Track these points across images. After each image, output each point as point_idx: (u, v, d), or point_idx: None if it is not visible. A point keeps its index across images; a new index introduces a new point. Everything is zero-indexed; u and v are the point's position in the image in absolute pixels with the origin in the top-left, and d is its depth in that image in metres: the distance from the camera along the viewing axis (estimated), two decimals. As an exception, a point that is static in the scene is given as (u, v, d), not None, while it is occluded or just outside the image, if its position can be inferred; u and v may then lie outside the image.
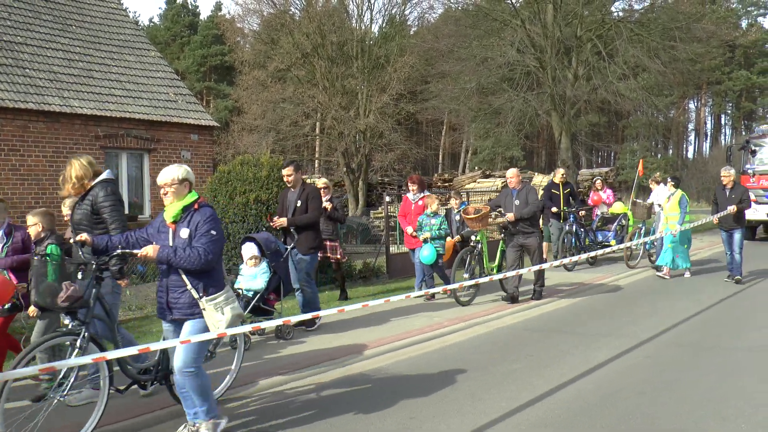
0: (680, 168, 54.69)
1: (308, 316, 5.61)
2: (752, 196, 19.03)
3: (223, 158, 27.04)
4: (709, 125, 67.64)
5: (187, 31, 56.47)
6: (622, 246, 12.86)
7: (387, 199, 13.77)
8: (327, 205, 9.41)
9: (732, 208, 11.15)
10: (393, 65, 26.54)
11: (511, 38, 22.12)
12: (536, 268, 8.91)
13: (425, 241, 9.60)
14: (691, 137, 67.35)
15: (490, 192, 22.09)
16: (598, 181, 15.45)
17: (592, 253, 11.53)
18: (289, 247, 7.85)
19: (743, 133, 49.53)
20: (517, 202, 9.64)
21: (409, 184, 10.75)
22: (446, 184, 27.07)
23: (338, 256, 10.06)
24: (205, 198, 4.39)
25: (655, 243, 13.72)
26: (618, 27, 21.58)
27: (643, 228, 13.70)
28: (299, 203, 8.09)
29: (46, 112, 12.75)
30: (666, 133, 53.81)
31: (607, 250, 10.35)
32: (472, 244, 10.01)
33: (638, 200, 13.98)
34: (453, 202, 11.19)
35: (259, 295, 7.30)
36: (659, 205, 12.92)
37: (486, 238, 10.17)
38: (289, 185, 8.32)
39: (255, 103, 28.17)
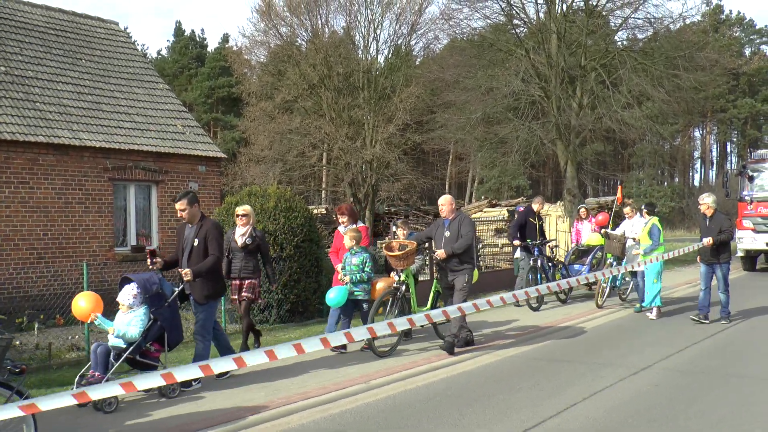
0: (686, 196, 54.57)
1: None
2: (750, 224, 18.45)
3: (230, 189, 27.14)
4: (714, 153, 67.71)
5: (194, 63, 57.15)
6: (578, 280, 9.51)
7: (394, 229, 13.73)
8: (238, 241, 8.21)
9: (707, 240, 10.02)
10: (399, 95, 26.73)
11: (516, 68, 22.27)
12: (452, 308, 6.27)
13: (346, 283, 8.43)
14: (697, 165, 67.45)
15: (496, 221, 22.10)
16: (582, 209, 14.54)
17: (543, 287, 8.53)
18: (176, 289, 6.85)
19: (748, 160, 49.47)
20: (447, 234, 8.32)
21: (338, 215, 9.26)
22: (453, 213, 27.05)
23: (252, 296, 8.32)
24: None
25: (626, 279, 12.55)
26: (622, 56, 21.75)
27: (614, 264, 12.25)
28: (196, 242, 6.98)
29: (56, 145, 12.85)
30: (672, 161, 53.84)
31: (578, 285, 7.63)
32: (395, 285, 8.53)
33: (611, 231, 12.53)
34: (399, 233, 9.49)
35: (134, 346, 6.37)
36: (633, 239, 11.56)
37: (413, 277, 8.80)
38: (184, 221, 7.21)
39: (262, 134, 28.35)
